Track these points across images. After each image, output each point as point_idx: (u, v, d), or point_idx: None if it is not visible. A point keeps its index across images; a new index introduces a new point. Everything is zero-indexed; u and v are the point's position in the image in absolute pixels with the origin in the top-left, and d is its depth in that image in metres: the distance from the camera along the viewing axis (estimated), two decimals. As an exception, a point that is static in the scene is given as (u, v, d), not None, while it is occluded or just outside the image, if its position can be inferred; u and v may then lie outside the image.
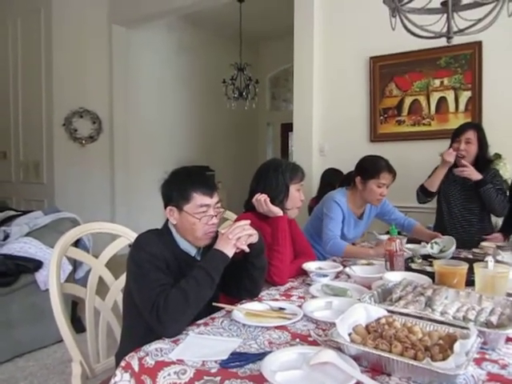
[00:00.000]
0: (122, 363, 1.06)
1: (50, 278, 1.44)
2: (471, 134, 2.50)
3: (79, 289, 1.61)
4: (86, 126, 5.67)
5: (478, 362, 1.02)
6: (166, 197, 1.46)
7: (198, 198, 1.42)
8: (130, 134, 6.03)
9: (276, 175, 1.93)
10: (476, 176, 2.41)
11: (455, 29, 1.61)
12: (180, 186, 1.44)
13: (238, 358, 1.02)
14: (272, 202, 1.87)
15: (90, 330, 1.58)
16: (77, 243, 2.87)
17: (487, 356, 1.05)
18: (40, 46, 5.54)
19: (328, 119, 4.11)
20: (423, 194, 2.67)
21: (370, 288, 1.57)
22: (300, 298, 1.55)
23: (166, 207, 1.45)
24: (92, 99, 5.68)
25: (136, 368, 1.03)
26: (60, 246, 1.50)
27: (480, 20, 1.55)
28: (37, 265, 2.76)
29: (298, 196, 1.96)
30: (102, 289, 1.65)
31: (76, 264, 3.07)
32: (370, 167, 2.33)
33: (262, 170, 2.00)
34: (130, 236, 1.68)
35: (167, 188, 1.45)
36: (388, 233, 2.18)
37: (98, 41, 5.69)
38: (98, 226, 1.69)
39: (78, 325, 2.77)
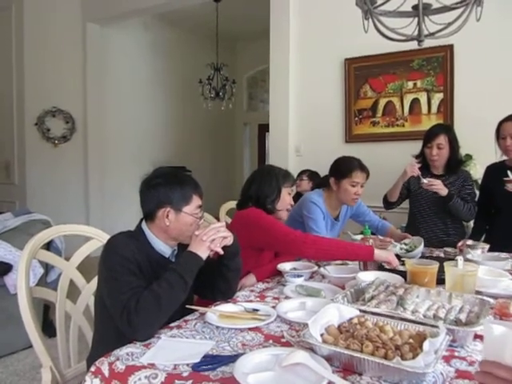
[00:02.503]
0: (92, 368, 1.04)
1: (19, 281, 1.40)
2: (442, 139, 2.54)
3: (50, 292, 1.57)
4: (59, 126, 5.55)
5: (447, 359, 1.04)
6: (161, 198, 1.42)
7: (196, 200, 1.47)
8: (105, 134, 5.93)
9: (269, 178, 2.02)
10: (443, 191, 2.45)
11: (426, 32, 1.64)
12: (181, 187, 1.44)
13: (211, 361, 1.01)
14: (264, 201, 1.98)
15: (60, 334, 1.54)
16: (49, 246, 2.81)
17: (456, 353, 1.08)
18: (11, 44, 5.40)
19: (304, 120, 4.13)
20: (385, 202, 2.73)
21: (343, 288, 1.59)
22: (274, 299, 1.55)
23: (156, 209, 1.42)
24: (65, 98, 5.57)
25: (106, 373, 1.01)
26: (29, 248, 1.46)
27: (450, 24, 1.59)
28: (6, 268, 2.68)
29: (288, 199, 2.06)
30: (75, 292, 1.61)
31: (48, 267, 2.99)
32: (343, 167, 2.37)
33: (256, 174, 2.09)
34: (103, 238, 1.65)
35: (164, 190, 1.42)
36: (362, 233, 2.22)
37: (72, 38, 5.58)
38: (69, 228, 1.65)
39: (50, 329, 2.70)
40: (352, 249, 1.78)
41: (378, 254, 1.74)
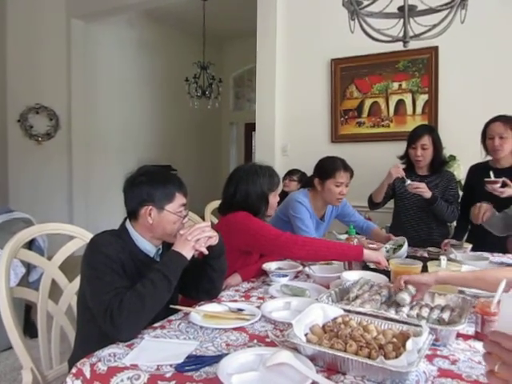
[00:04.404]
0: (73, 370, 1.02)
1: (-1, 281, 1.37)
2: (426, 140, 2.57)
3: (31, 292, 1.54)
4: (43, 123, 5.47)
5: (430, 358, 1.05)
6: (144, 197, 1.40)
7: (179, 198, 1.45)
8: (89, 132, 5.86)
9: (255, 188, 1.93)
10: (427, 194, 2.48)
11: (411, 33, 1.65)
12: (164, 185, 1.43)
13: (194, 362, 1.01)
14: (256, 214, 1.91)
15: (42, 335, 1.51)
16: (31, 245, 2.76)
17: (439, 352, 1.09)
18: (-7, 39, 5.30)
19: (290, 120, 4.14)
20: (370, 203, 2.75)
21: (328, 287, 1.59)
22: (259, 298, 1.54)
23: (139, 207, 1.40)
24: (49, 95, 5.48)
25: (88, 374, 1.00)
26: (10, 247, 1.43)
27: (435, 26, 1.61)
28: (-13, 267, 2.62)
29: (275, 201, 2.03)
30: (57, 292, 1.59)
31: (30, 266, 2.94)
32: (326, 168, 2.37)
33: (239, 182, 1.96)
34: (86, 237, 1.62)
35: (147, 188, 1.40)
36: (347, 233, 2.23)
37: (56, 34, 5.50)
38: (51, 226, 1.62)
39: (32, 329, 2.66)
40: (342, 249, 1.78)
41: (368, 254, 1.75)
